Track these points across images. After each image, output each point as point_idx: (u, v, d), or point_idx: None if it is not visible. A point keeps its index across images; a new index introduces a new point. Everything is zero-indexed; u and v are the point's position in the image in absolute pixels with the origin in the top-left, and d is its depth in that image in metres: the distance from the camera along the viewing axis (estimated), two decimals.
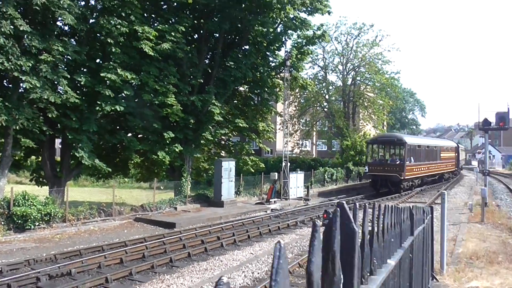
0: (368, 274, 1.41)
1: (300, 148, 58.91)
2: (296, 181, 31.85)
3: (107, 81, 22.25)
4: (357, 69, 55.71)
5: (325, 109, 56.25)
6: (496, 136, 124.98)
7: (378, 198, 31.11)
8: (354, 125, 55.21)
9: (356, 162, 46.04)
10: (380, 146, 38.60)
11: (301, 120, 57.41)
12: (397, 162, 35.14)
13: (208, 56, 30.46)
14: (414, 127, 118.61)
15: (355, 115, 56.74)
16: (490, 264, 11.91)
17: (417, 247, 3.96)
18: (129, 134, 26.23)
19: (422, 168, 39.07)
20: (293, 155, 54.47)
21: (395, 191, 34.01)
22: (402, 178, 33.83)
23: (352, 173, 43.95)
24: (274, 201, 28.25)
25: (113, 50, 22.44)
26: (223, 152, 34.20)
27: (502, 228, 18.84)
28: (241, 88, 33.10)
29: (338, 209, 0.98)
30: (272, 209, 25.87)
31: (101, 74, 21.93)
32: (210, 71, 28.76)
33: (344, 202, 1.06)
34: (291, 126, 52.31)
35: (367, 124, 56.54)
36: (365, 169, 36.25)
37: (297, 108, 55.56)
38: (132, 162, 29.85)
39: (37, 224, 18.57)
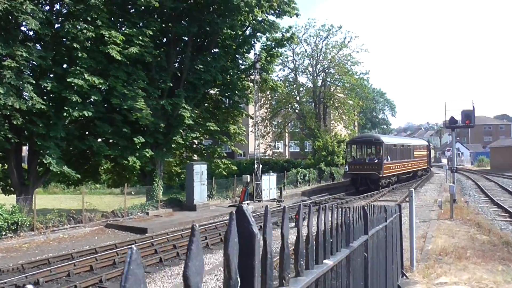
0: (289, 275, 1.39)
1: (273, 150, 59.08)
2: (268, 183, 31.88)
3: (74, 87, 21.88)
4: (326, 71, 56.30)
5: (297, 111, 56.66)
6: (464, 133, 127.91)
7: (351, 197, 31.52)
8: (325, 126, 55.68)
9: (328, 163, 46.41)
10: (359, 146, 40.27)
11: (273, 122, 57.61)
12: (375, 161, 36.80)
13: (177, 60, 30.26)
14: (385, 126, 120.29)
15: (326, 116, 57.26)
16: (459, 259, 12.10)
17: (375, 245, 3.98)
18: (99, 140, 25.88)
19: (398, 166, 40.81)
20: (266, 157, 54.62)
21: (374, 188, 35.52)
22: (381, 176, 35.67)
23: (324, 174, 44.25)
24: (247, 203, 28.23)
25: (80, 55, 22.08)
26: (195, 155, 34.02)
27: (471, 223, 19.18)
28: (211, 91, 33.01)
29: (234, 212, 0.97)
30: None
31: (68, 80, 21.54)
32: (179, 74, 28.57)
33: (244, 205, 1.06)
34: (263, 128, 52.44)
35: (338, 125, 57.14)
36: (346, 168, 37.82)
37: (269, 110, 55.77)
38: (103, 168, 29.46)
39: (3, 233, 18.14)
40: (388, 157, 38.07)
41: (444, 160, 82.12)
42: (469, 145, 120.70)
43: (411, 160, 46.06)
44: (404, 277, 9.77)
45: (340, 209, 2.56)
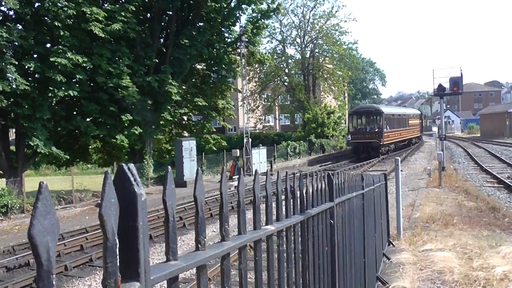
0: (205, 239, 1.38)
1: (263, 124, 59.06)
2: (259, 157, 31.98)
3: (58, 66, 21.53)
4: (315, 41, 55.88)
5: (286, 83, 56.44)
6: (454, 101, 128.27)
7: (341, 168, 31.77)
8: (315, 98, 55.56)
9: (318, 134, 46.43)
10: (360, 116, 43.27)
11: (262, 95, 57.41)
12: (376, 130, 40.10)
13: (162, 36, 29.88)
14: (375, 96, 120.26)
15: (315, 88, 57.11)
16: (445, 226, 12.27)
17: (346, 213, 4.01)
18: (87, 119, 25.68)
19: (396, 135, 44.63)
20: (256, 131, 54.63)
21: (375, 155, 38.75)
22: (381, 143, 39.25)
23: (314, 146, 44.31)
24: (238, 178, 28.25)
25: (62, 33, 21.72)
26: (184, 132, 33.94)
27: (459, 191, 19.41)
28: (198, 66, 32.77)
29: (108, 172, 0.95)
30: (235, 186, 25.89)
31: (51, 59, 21.21)
32: (165, 50, 28.25)
33: (131, 165, 1.03)
34: (252, 102, 52.33)
35: (327, 96, 57.03)
36: (348, 138, 41.34)
37: (258, 83, 55.48)
38: (92, 147, 29.33)
39: None
40: (387, 126, 41.13)
41: (435, 129, 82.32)
42: (460, 112, 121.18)
43: (407, 129, 49.84)
44: (391, 245, 9.89)
45: (295, 176, 2.59)
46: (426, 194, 19.07)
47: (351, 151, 41.41)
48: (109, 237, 0.92)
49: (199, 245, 1.35)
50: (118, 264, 0.94)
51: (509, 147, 46.43)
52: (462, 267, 7.71)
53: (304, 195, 2.66)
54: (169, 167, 1.22)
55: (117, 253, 0.93)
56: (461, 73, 24.89)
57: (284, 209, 2.31)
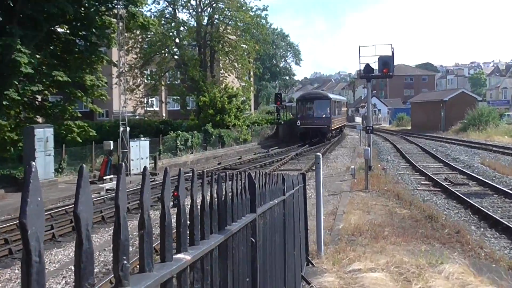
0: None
1: (145, 108, 58.01)
2: (139, 151, 31.37)
3: None
4: (214, 4, 55.65)
5: (176, 57, 55.80)
6: (381, 87, 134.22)
7: (245, 167, 32.00)
8: (213, 77, 55.49)
9: (216, 123, 46.27)
10: (308, 102, 54.92)
11: (145, 71, 56.33)
12: (324, 116, 51.80)
13: None
14: (288, 77, 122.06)
15: (214, 64, 57.07)
16: (375, 240, 12.50)
17: (268, 226, 3.78)
18: None
19: (336, 121, 57.23)
20: (137, 117, 53.62)
21: (322, 140, 50.62)
22: (330, 129, 52.32)
23: (211, 138, 44.04)
24: (110, 179, 27.43)
25: None
26: (38, 116, 32.27)
27: (389, 195, 20.11)
28: (59, 29, 31.30)
29: None
30: (107, 190, 25.11)
31: None
32: (12, 5, 26.59)
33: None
34: (131, 79, 51.14)
35: (229, 75, 57.06)
36: (298, 123, 52.19)
37: (139, 55, 54.28)
38: None
39: None
40: (333, 112, 53.49)
41: (358, 119, 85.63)
42: (387, 100, 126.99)
43: (341, 116, 63.45)
44: (310, 264, 9.83)
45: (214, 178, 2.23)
46: (350, 199, 19.54)
47: (299, 137, 51.00)
48: None
49: None
50: None
51: (444, 143, 49.42)
52: None
53: (223, 205, 2.29)
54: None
55: None
56: (392, 52, 25.75)
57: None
